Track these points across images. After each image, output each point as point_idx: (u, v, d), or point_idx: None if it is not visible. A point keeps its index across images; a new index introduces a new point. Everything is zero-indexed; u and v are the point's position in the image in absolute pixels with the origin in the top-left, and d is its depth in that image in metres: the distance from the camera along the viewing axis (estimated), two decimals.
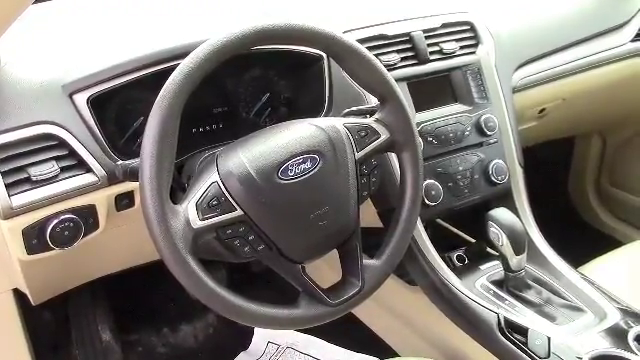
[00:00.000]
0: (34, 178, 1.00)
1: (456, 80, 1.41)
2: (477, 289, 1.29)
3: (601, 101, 1.88)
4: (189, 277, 0.87)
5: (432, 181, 1.32)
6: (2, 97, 1.03)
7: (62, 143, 1.03)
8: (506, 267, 1.26)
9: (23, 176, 1.00)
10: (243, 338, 1.79)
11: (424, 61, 1.37)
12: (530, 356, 1.10)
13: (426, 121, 1.34)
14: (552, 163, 2.39)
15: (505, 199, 1.41)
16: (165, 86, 0.87)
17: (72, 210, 1.04)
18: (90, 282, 1.45)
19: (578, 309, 1.23)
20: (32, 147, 1.01)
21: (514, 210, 1.36)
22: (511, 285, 1.27)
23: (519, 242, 1.22)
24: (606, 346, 1.11)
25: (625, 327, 1.15)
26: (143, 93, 1.11)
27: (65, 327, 1.78)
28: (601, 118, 2.09)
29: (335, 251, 1.03)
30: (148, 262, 1.42)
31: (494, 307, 1.21)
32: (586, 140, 2.32)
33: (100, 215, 1.09)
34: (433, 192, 1.31)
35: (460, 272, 1.33)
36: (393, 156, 1.26)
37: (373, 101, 1.17)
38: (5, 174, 0.98)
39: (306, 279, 0.96)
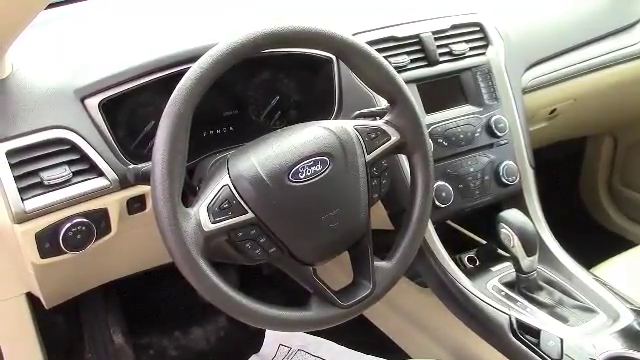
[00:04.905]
0: (47, 182, 1.00)
1: (466, 81, 1.41)
2: (489, 291, 1.29)
3: (612, 101, 1.87)
4: (201, 280, 0.87)
5: (443, 183, 1.32)
6: (14, 102, 1.04)
7: (74, 147, 1.04)
8: (517, 268, 1.26)
9: (36, 180, 1.00)
10: (254, 341, 1.79)
11: (434, 63, 1.36)
12: (543, 358, 1.10)
13: (436, 123, 1.34)
14: (563, 164, 2.38)
15: (516, 200, 1.40)
16: (176, 90, 0.88)
17: (84, 214, 1.05)
18: (102, 285, 1.46)
19: (591, 310, 1.23)
20: (44, 151, 1.02)
21: (525, 211, 1.36)
22: (523, 286, 1.27)
23: (530, 243, 1.21)
24: (619, 347, 1.10)
25: (638, 328, 1.15)
26: (154, 97, 1.12)
27: (78, 330, 1.79)
28: (612, 118, 2.08)
29: (346, 253, 1.03)
30: (160, 265, 1.42)
31: (506, 309, 1.21)
32: (597, 141, 2.31)
33: (112, 219, 1.09)
34: (444, 194, 1.31)
35: (471, 274, 1.33)
36: (403, 158, 1.26)
37: (383, 103, 1.17)
38: (18, 178, 0.99)
39: (317, 281, 0.97)
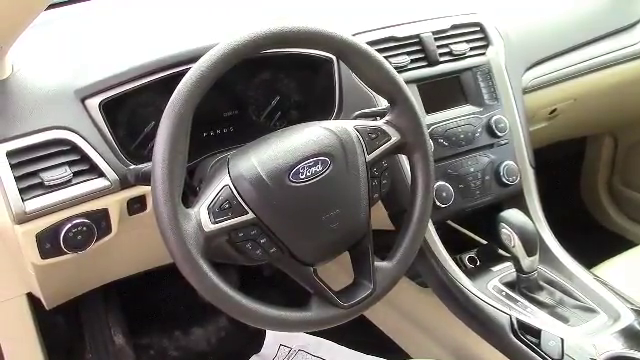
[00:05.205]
0: (47, 183, 1.00)
1: (466, 81, 1.41)
2: (489, 291, 1.29)
3: (612, 101, 1.87)
4: (201, 280, 0.87)
5: (443, 183, 1.32)
6: (15, 102, 1.04)
7: (75, 148, 1.04)
8: (518, 268, 1.25)
9: (36, 181, 1.00)
10: (255, 341, 1.79)
11: (434, 63, 1.36)
12: (543, 358, 1.10)
13: (436, 123, 1.34)
14: (564, 164, 2.38)
15: (516, 200, 1.40)
16: (176, 91, 0.88)
17: (85, 214, 1.05)
18: (102, 285, 1.46)
19: (591, 310, 1.23)
20: (45, 152, 1.02)
21: (525, 211, 1.36)
22: (523, 286, 1.27)
23: (531, 243, 1.21)
24: (620, 347, 1.10)
25: (639, 328, 1.15)
26: (154, 98, 1.12)
27: (78, 331, 1.79)
28: (613, 118, 2.08)
29: (347, 253, 1.03)
30: (160, 266, 1.42)
31: (506, 309, 1.21)
32: (598, 141, 2.31)
33: (112, 219, 1.09)
34: (444, 194, 1.31)
35: (472, 274, 1.33)
36: (404, 158, 1.26)
37: (383, 103, 1.17)
38: (19, 179, 0.99)
39: (318, 281, 0.96)
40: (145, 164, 0.98)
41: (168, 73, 1.11)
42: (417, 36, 1.36)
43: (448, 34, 1.40)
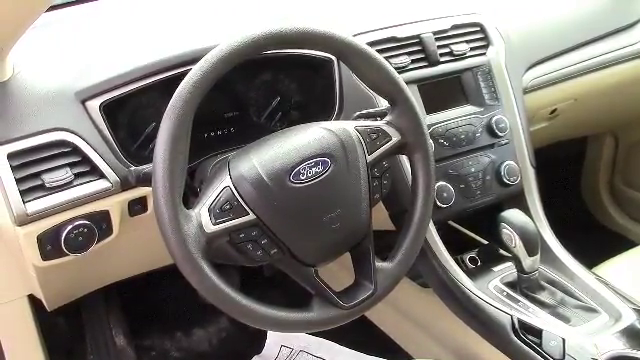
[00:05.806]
0: (48, 185, 1.00)
1: (467, 81, 1.41)
2: (490, 291, 1.29)
3: (613, 101, 1.87)
4: (202, 281, 0.87)
5: (444, 183, 1.32)
6: (16, 104, 1.04)
7: (75, 150, 1.04)
8: (519, 268, 1.25)
9: (37, 183, 1.01)
10: (256, 342, 1.78)
11: (434, 63, 1.36)
12: (545, 358, 1.10)
13: (437, 123, 1.34)
14: (564, 163, 2.38)
15: (517, 200, 1.40)
16: (176, 92, 0.88)
17: (86, 216, 1.05)
18: (104, 287, 1.46)
19: (592, 310, 1.23)
20: (46, 154, 1.02)
21: (526, 211, 1.36)
22: (524, 287, 1.27)
23: (532, 243, 1.21)
24: (621, 347, 1.10)
25: None
26: (155, 99, 1.12)
27: (79, 332, 1.79)
28: (613, 118, 2.08)
29: (348, 254, 1.03)
30: (162, 267, 1.42)
31: (507, 308, 1.21)
32: (599, 140, 2.31)
33: (113, 221, 1.10)
34: (445, 194, 1.31)
35: (473, 274, 1.33)
36: (405, 158, 1.26)
37: (383, 103, 1.17)
38: (20, 181, 0.99)
39: (319, 282, 0.96)
40: (146, 165, 0.98)
41: (169, 74, 1.11)
42: (418, 36, 1.36)
43: (448, 34, 1.40)
